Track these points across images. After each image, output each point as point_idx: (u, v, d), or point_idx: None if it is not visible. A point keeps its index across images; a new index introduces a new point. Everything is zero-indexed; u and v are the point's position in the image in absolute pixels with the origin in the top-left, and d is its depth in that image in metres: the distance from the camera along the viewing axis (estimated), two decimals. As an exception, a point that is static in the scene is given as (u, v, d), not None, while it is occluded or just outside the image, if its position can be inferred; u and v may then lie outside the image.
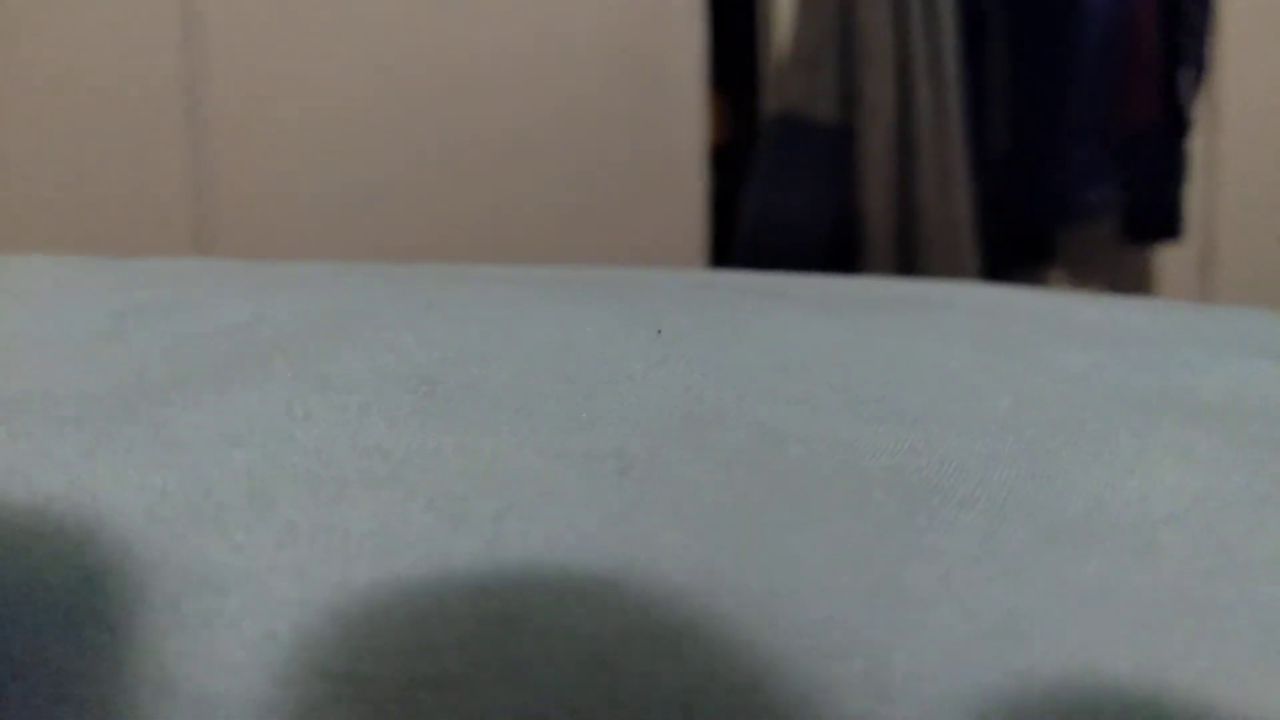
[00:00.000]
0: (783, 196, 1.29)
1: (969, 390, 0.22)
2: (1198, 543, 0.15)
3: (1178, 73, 1.46)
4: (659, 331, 0.24)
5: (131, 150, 1.17)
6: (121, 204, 1.17)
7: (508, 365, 0.22)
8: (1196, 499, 0.16)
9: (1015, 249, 1.56)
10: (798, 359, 0.23)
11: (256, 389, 0.20)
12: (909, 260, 1.31)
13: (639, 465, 0.18)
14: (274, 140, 1.21)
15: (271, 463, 0.18)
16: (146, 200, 1.18)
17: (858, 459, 0.18)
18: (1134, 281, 1.67)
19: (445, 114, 1.26)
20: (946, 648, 0.12)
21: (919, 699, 0.12)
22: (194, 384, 0.21)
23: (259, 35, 1.19)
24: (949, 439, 0.19)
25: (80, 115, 1.15)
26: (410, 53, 1.24)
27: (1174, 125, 1.49)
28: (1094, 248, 1.64)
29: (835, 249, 1.30)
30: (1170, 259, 1.67)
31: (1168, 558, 0.14)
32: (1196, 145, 1.60)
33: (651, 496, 0.17)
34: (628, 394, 0.21)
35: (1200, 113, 1.58)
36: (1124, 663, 0.12)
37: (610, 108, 1.30)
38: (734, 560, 0.14)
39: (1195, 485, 0.17)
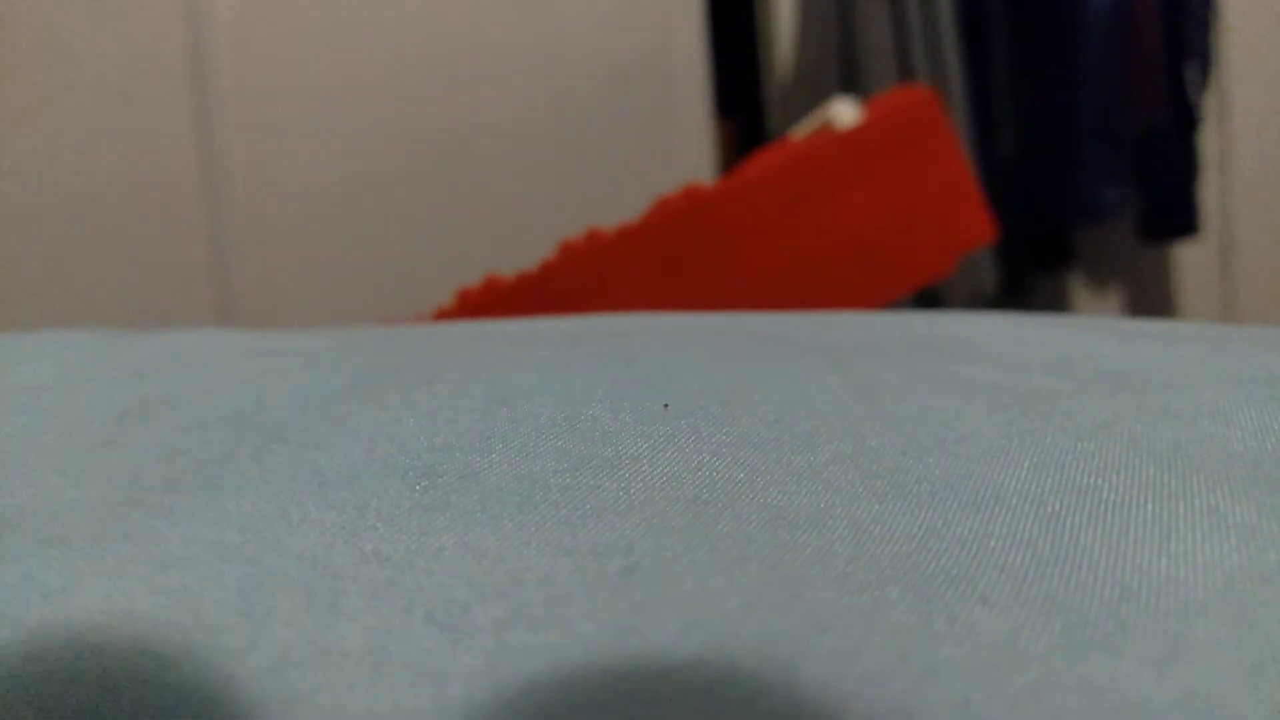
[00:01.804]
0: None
1: (986, 454, 0.21)
2: (1234, 637, 0.14)
3: (1183, 67, 1.45)
4: (665, 406, 0.23)
5: (141, 152, 1.19)
6: (133, 201, 1.19)
7: (510, 450, 0.21)
8: (1229, 581, 0.15)
9: (1034, 253, 1.55)
10: (808, 427, 0.23)
11: (252, 492, 0.20)
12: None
13: (646, 562, 0.17)
14: (286, 147, 1.22)
15: (265, 577, 0.17)
16: (158, 199, 1.20)
17: (872, 545, 0.17)
18: (1155, 280, 1.65)
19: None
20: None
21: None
22: (188, 487, 0.20)
23: (266, 29, 1.21)
24: (967, 517, 0.18)
25: (87, 112, 1.17)
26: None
27: (1183, 120, 1.47)
28: (1112, 248, 1.63)
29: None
30: (1190, 255, 1.65)
31: (1204, 657, 0.13)
32: (1209, 139, 1.59)
33: (659, 601, 0.16)
34: (634, 479, 0.20)
35: (1210, 107, 1.57)
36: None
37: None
38: (746, 685, 0.13)
39: (1228, 563, 0.16)
